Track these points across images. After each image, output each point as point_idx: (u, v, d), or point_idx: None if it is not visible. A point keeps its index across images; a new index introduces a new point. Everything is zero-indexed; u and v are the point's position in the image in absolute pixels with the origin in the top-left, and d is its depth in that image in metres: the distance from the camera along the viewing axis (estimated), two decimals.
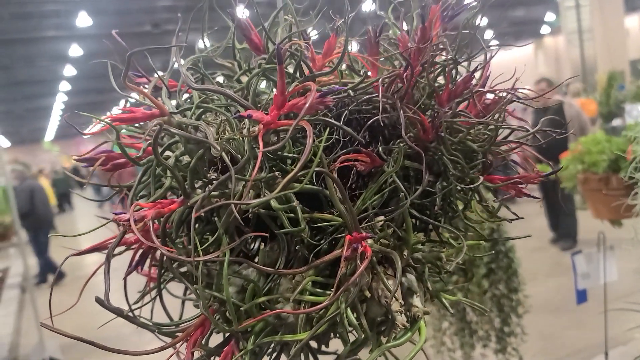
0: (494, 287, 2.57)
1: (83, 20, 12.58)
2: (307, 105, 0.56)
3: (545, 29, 22.24)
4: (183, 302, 0.87)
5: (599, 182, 2.88)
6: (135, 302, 0.83)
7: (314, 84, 0.59)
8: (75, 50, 14.92)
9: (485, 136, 0.77)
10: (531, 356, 3.63)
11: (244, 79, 0.83)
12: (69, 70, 17.56)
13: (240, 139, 0.63)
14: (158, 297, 0.77)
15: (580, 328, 4.10)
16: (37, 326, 5.25)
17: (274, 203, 0.62)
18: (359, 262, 0.60)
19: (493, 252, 2.54)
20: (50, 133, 34.67)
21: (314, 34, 0.79)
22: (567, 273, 3.74)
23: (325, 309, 0.63)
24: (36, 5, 12.65)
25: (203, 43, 0.83)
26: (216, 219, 0.65)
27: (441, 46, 0.75)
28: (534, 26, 22.18)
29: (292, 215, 0.65)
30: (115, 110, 0.66)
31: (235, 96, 0.62)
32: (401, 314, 0.65)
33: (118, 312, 0.64)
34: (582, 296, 3.14)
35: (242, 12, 0.78)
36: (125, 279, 0.76)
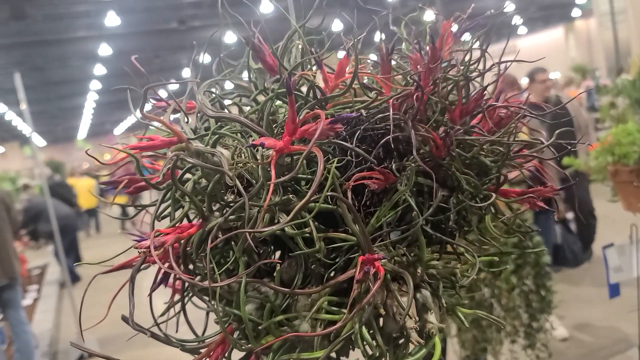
0: (522, 283, 2.56)
1: (112, 19, 12.80)
2: (317, 133, 0.58)
3: (576, 12, 21.65)
4: (207, 314, 0.90)
5: (630, 174, 2.82)
6: (161, 315, 0.86)
7: (323, 113, 0.60)
8: (104, 49, 15.19)
9: (499, 150, 0.77)
10: (564, 348, 3.60)
11: (260, 97, 0.85)
12: (99, 70, 17.91)
13: (254, 165, 0.66)
14: (182, 311, 0.80)
15: (613, 321, 4.03)
16: (75, 321, 5.40)
17: (288, 228, 0.64)
18: (371, 282, 0.62)
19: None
20: (82, 131, 35.43)
21: (327, 55, 0.80)
22: (599, 265, 3.68)
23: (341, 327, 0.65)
24: (67, 6, 12.92)
25: (221, 65, 0.85)
26: (233, 243, 0.67)
27: (453, 63, 0.76)
28: (564, 9, 21.61)
29: (308, 234, 0.67)
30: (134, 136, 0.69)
31: (248, 123, 0.64)
32: (416, 330, 0.67)
33: (143, 331, 0.67)
34: (614, 290, 3.09)
35: (255, 33, 0.80)
36: (150, 295, 0.80)
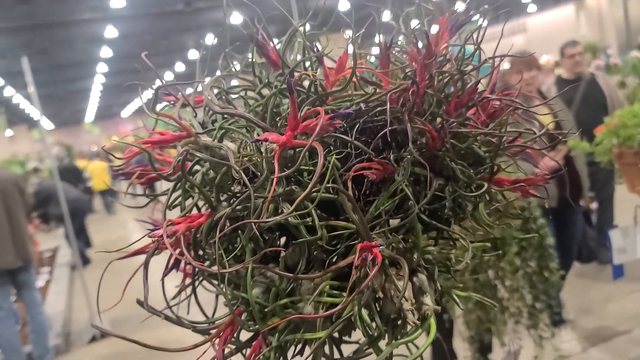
0: (526, 265, 2.60)
1: (117, 1, 12.79)
2: (317, 129, 0.62)
3: None
4: (216, 296, 0.95)
5: (634, 156, 2.84)
6: (173, 298, 0.91)
7: (322, 110, 0.64)
8: (110, 31, 15.19)
9: (493, 140, 0.81)
10: (570, 328, 3.65)
11: (265, 91, 0.88)
12: (106, 52, 17.93)
13: (259, 160, 0.70)
14: (193, 294, 0.85)
15: (618, 301, 4.08)
16: (87, 303, 5.54)
17: (291, 218, 0.68)
18: (369, 268, 0.66)
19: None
20: (90, 114, 35.56)
21: (329, 50, 0.84)
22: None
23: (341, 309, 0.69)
24: None
25: (227, 62, 0.89)
26: (240, 231, 0.71)
27: (448, 57, 0.79)
28: None
29: (310, 223, 0.72)
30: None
31: (253, 119, 0.68)
32: (412, 312, 0.71)
33: (157, 313, 0.72)
34: (618, 271, 3.13)
35: (259, 29, 0.83)
36: (162, 279, 0.85)
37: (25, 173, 11.13)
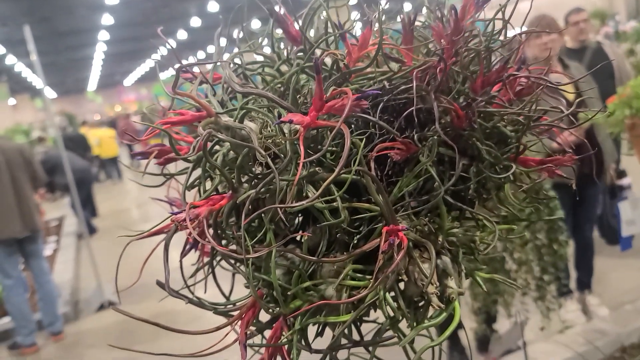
0: (535, 237, 2.59)
1: None
2: (345, 110, 0.60)
3: None
4: (233, 275, 0.95)
5: None
6: (191, 277, 0.91)
7: (350, 91, 0.62)
8: None
9: (520, 119, 0.79)
10: (575, 298, 3.67)
11: (283, 67, 0.86)
12: (107, 19, 17.71)
13: (282, 142, 0.68)
14: (212, 274, 0.85)
15: (623, 271, 4.09)
16: (94, 271, 5.59)
17: (317, 202, 0.67)
18: (395, 252, 0.65)
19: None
20: (92, 83, 35.33)
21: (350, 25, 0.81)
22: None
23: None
24: None
25: (244, 34, 0.86)
26: (262, 215, 0.70)
27: (474, 33, 0.76)
28: None
29: (335, 206, 0.70)
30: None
31: (276, 99, 0.66)
32: (436, 295, 0.70)
33: (178, 296, 0.71)
34: (626, 243, 3.13)
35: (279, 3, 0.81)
36: (180, 260, 0.84)
37: (29, 142, 11.11)
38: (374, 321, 0.84)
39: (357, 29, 0.87)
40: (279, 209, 0.64)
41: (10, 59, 21.57)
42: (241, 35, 0.86)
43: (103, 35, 20.85)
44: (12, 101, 29.62)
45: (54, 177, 7.67)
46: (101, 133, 12.89)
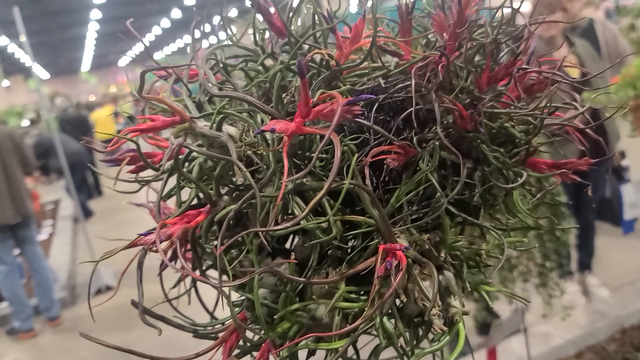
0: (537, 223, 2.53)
1: None
2: (335, 119, 0.52)
3: None
4: (219, 291, 0.88)
5: None
6: (172, 288, 0.84)
7: (339, 95, 0.54)
8: None
9: (531, 120, 0.71)
10: (575, 280, 3.64)
11: (268, 61, 0.78)
12: None
13: (264, 153, 0.60)
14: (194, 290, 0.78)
15: (624, 252, 4.05)
16: (90, 255, 5.53)
17: (303, 222, 0.59)
18: (393, 274, 0.58)
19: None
20: (86, 63, 34.91)
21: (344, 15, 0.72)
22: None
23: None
24: None
25: (224, 29, 0.77)
26: (245, 235, 0.63)
27: (480, 22, 0.68)
28: None
29: (325, 226, 0.63)
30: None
31: (257, 103, 0.58)
32: (439, 317, 0.64)
33: (151, 324, 0.64)
34: (629, 226, 3.07)
35: None
36: (160, 274, 0.77)
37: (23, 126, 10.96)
38: (371, 333, 0.78)
39: (351, 18, 0.78)
40: (260, 233, 0.57)
41: (3, 40, 21.24)
42: (221, 25, 0.78)
43: (95, 14, 20.50)
44: (6, 83, 29.27)
45: (48, 160, 7.58)
46: (96, 114, 12.71)
